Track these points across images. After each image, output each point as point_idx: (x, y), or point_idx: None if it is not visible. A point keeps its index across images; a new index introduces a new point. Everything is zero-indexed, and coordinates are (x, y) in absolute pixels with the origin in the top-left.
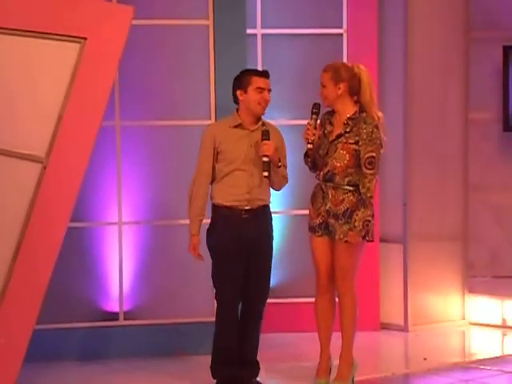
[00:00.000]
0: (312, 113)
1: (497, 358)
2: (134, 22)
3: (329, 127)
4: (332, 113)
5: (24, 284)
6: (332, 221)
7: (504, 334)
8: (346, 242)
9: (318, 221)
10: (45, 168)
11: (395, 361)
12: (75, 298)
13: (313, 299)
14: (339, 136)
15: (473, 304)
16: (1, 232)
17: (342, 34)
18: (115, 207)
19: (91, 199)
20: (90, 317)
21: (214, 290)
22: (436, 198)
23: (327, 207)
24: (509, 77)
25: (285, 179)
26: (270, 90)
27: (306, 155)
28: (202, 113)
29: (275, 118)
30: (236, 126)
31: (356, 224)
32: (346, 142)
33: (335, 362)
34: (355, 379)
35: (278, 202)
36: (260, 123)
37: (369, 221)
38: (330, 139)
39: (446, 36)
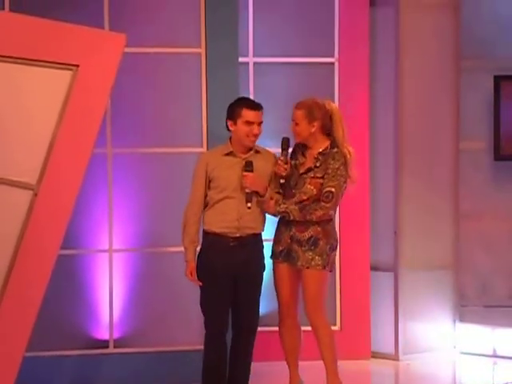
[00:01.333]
0: (282, 149)
1: None
2: (127, 49)
3: (301, 159)
4: (285, 152)
5: (14, 311)
6: (295, 247)
7: (495, 363)
8: (308, 268)
9: (280, 247)
10: (36, 195)
11: None
12: (65, 326)
13: (307, 327)
14: (309, 170)
15: (464, 333)
16: None
17: (333, 63)
18: (106, 234)
19: (82, 226)
20: (80, 344)
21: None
22: (427, 226)
23: (291, 233)
24: (500, 106)
25: (276, 204)
26: (261, 123)
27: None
28: (193, 140)
29: (267, 147)
30: (228, 154)
31: (319, 252)
32: (313, 177)
33: None
34: None
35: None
36: (253, 151)
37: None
38: (301, 171)
39: (436, 65)
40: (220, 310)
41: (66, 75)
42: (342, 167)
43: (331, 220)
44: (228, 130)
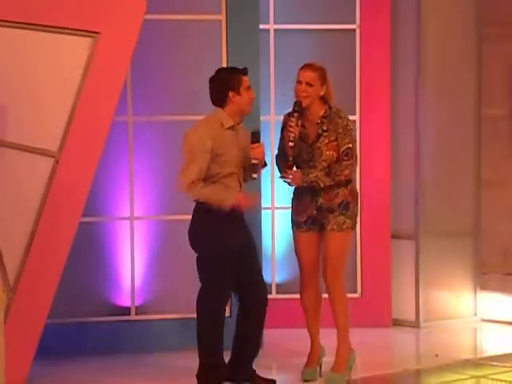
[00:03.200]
0: (294, 111)
1: (509, 354)
2: (147, 16)
3: (302, 130)
4: (298, 111)
5: (36, 278)
6: (325, 214)
7: None
8: (339, 231)
9: (304, 217)
10: (57, 162)
11: (407, 357)
12: (87, 293)
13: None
14: (319, 137)
15: (485, 301)
16: (14, 226)
17: (354, 30)
18: (127, 202)
19: (103, 194)
20: (103, 311)
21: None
22: (448, 194)
23: (319, 203)
24: None
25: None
26: None
27: (280, 157)
28: (213, 108)
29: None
30: (229, 128)
31: (350, 215)
32: (328, 142)
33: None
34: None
35: (283, 197)
36: (241, 123)
37: (316, 182)
38: (310, 142)
39: (459, 32)
40: (227, 287)
41: (87, 42)
42: (349, 122)
43: (353, 180)
44: (219, 103)
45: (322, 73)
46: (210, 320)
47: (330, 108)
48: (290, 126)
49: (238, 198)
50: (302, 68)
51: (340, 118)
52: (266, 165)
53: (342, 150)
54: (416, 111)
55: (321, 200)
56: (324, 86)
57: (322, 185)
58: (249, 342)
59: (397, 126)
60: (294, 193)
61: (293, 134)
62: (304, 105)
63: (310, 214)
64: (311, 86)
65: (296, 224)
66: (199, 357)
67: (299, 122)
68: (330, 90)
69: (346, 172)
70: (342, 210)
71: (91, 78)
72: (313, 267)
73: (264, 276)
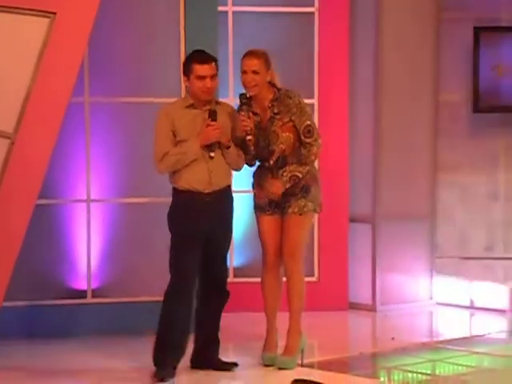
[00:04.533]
0: (241, 103)
1: (464, 338)
2: None
3: (255, 118)
4: (246, 103)
5: None
6: (287, 198)
7: (471, 315)
8: (300, 215)
9: (266, 200)
10: (13, 144)
11: (363, 340)
12: (44, 276)
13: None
14: (272, 120)
15: (441, 284)
16: None
17: (313, 13)
18: (83, 184)
19: (59, 176)
20: (59, 294)
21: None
22: (405, 178)
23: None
24: (479, 58)
25: (240, 158)
26: (214, 75)
27: (245, 151)
28: (171, 90)
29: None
30: (188, 106)
31: (311, 198)
32: (282, 124)
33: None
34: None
35: (241, 181)
36: (213, 103)
37: (297, 176)
38: (264, 127)
39: (416, 17)
40: (191, 267)
41: (43, 22)
42: (301, 100)
43: (314, 162)
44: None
45: (265, 58)
46: (169, 300)
47: (279, 90)
48: (243, 121)
49: (201, 135)
50: (245, 57)
51: (290, 98)
52: (229, 147)
53: (302, 129)
54: (374, 95)
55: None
56: (269, 70)
57: (301, 176)
58: (208, 327)
59: (355, 109)
60: (254, 177)
61: (248, 128)
62: (253, 93)
63: (271, 198)
64: (257, 73)
65: (259, 208)
66: (156, 336)
67: (250, 114)
68: (274, 73)
69: (314, 150)
70: (303, 193)
71: (47, 58)
72: (276, 250)
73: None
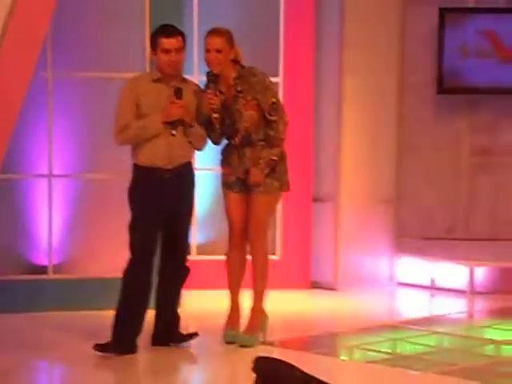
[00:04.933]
0: (208, 81)
1: (425, 318)
2: None
3: (221, 96)
4: (213, 81)
5: None
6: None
7: (432, 295)
8: (267, 194)
9: (233, 177)
10: None
11: (325, 319)
12: (4, 251)
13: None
14: (235, 99)
15: (402, 265)
16: None
17: None
18: (45, 159)
19: (21, 151)
20: (19, 270)
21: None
22: (369, 159)
23: (245, 166)
24: (444, 39)
25: (202, 138)
26: (180, 49)
27: (206, 127)
28: (136, 65)
29: None
30: (156, 81)
31: (277, 176)
32: (246, 102)
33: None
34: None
35: (205, 158)
36: (180, 79)
37: (273, 160)
38: (228, 105)
39: None
40: (150, 243)
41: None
42: (265, 77)
43: (284, 141)
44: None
45: (228, 36)
46: (129, 276)
47: (243, 68)
48: (210, 99)
49: (164, 112)
50: (208, 35)
51: (254, 75)
52: (191, 126)
53: (267, 107)
54: (339, 75)
55: (247, 163)
56: (233, 48)
57: (276, 158)
58: (168, 303)
59: (320, 88)
60: (221, 154)
61: (215, 106)
62: (217, 71)
63: (238, 176)
64: (220, 51)
65: (227, 185)
66: (115, 312)
67: (217, 92)
68: (239, 51)
69: (281, 128)
70: (269, 172)
71: (11, 32)
72: (242, 228)
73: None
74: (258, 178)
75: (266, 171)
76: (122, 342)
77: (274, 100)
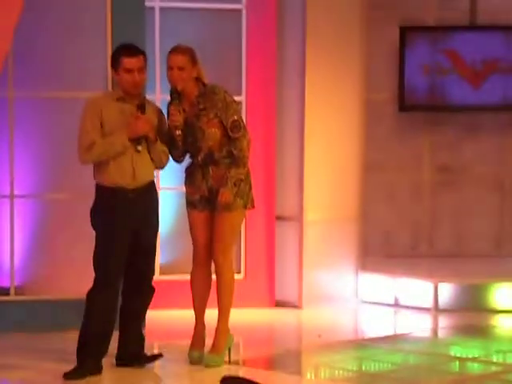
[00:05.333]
0: (172, 98)
1: (390, 336)
2: None
3: (184, 114)
4: (176, 98)
5: None
6: (216, 194)
7: (396, 313)
8: (230, 211)
9: (197, 196)
10: None
11: (290, 338)
12: None
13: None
14: (198, 117)
15: (366, 282)
16: None
17: (241, 10)
18: (7, 180)
19: None
20: None
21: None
22: (332, 177)
23: (209, 184)
24: (405, 57)
25: (165, 154)
26: (142, 68)
27: (169, 144)
28: (97, 85)
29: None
30: (118, 99)
31: (240, 194)
32: (208, 120)
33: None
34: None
35: (168, 177)
36: (142, 98)
37: (241, 180)
38: (190, 123)
39: (344, 15)
40: (115, 263)
41: None
42: (226, 95)
43: (248, 159)
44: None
45: (191, 54)
46: (94, 296)
47: (205, 86)
48: (173, 115)
49: (129, 127)
50: (170, 53)
51: (215, 93)
52: (155, 141)
53: (229, 125)
54: (301, 93)
55: (211, 181)
56: (195, 66)
57: (243, 177)
58: (132, 323)
59: (282, 106)
60: (185, 173)
61: (178, 123)
62: (179, 89)
63: (202, 194)
64: (183, 69)
65: (190, 203)
66: (80, 333)
67: (180, 109)
68: (201, 69)
69: (243, 145)
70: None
71: None
72: (206, 246)
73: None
74: (228, 198)
75: (235, 190)
76: (86, 363)
77: (235, 117)
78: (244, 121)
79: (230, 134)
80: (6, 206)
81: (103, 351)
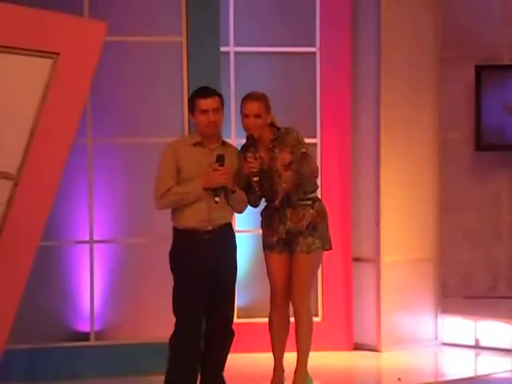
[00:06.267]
0: (249, 145)
1: (470, 378)
2: (107, 38)
3: (260, 161)
4: (253, 148)
5: None
6: (294, 236)
7: (477, 355)
8: (309, 253)
9: (275, 238)
10: (16, 185)
11: (369, 381)
12: (46, 318)
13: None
14: (273, 161)
15: (446, 324)
16: None
17: (315, 53)
18: (86, 225)
19: (62, 217)
20: (62, 337)
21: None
22: (408, 218)
23: (287, 227)
24: (481, 96)
25: (243, 203)
26: (218, 109)
27: (250, 192)
28: (174, 131)
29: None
30: (196, 144)
31: (319, 236)
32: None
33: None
34: None
35: (244, 220)
36: (219, 143)
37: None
38: (266, 168)
39: (418, 56)
40: (195, 307)
41: (46, 63)
42: (299, 134)
43: (320, 199)
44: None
45: (265, 101)
46: (177, 342)
47: (278, 130)
48: (250, 162)
49: (206, 178)
50: (245, 100)
51: (288, 134)
52: (234, 191)
53: (298, 157)
54: (377, 134)
55: (289, 223)
56: (269, 113)
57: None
58: (213, 368)
59: (358, 148)
60: (262, 215)
61: (255, 169)
62: (256, 136)
63: (279, 237)
64: (259, 116)
65: (268, 246)
66: (165, 379)
67: (257, 155)
68: (273, 114)
69: (312, 166)
70: (310, 231)
71: (51, 99)
72: (285, 289)
73: None
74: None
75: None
76: None
77: (304, 150)
78: (314, 158)
79: (299, 166)
80: (86, 251)
81: None
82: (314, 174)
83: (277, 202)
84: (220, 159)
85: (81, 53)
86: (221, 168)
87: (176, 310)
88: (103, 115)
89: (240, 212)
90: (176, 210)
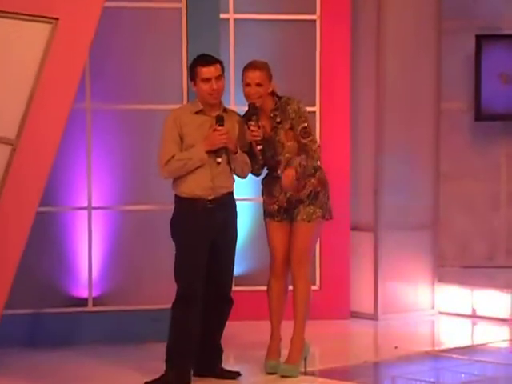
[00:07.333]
0: (252, 114)
1: (467, 347)
2: (106, 3)
3: (262, 129)
4: (255, 117)
5: None
6: (295, 205)
7: (474, 324)
8: (309, 222)
9: (275, 206)
10: (14, 150)
11: (366, 349)
12: (44, 284)
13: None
14: (275, 130)
15: (442, 293)
16: None
17: (315, 20)
18: (85, 192)
19: (60, 183)
20: (60, 302)
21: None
22: (407, 186)
23: (288, 195)
24: (481, 66)
25: (246, 165)
26: (219, 76)
27: (253, 161)
28: (173, 97)
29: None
30: (197, 112)
31: (319, 204)
32: (285, 133)
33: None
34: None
35: (245, 188)
36: (221, 110)
37: (304, 166)
38: (268, 137)
39: (417, 26)
40: (197, 275)
41: (45, 28)
42: (300, 105)
43: (321, 168)
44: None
45: (267, 70)
46: (179, 308)
47: (280, 99)
48: (253, 131)
49: (207, 140)
50: (247, 69)
51: (289, 104)
52: (235, 152)
53: (298, 132)
54: (376, 103)
55: (290, 192)
56: (271, 81)
57: (304, 163)
58: (211, 335)
59: (356, 117)
60: (263, 183)
61: (258, 138)
62: (258, 105)
63: (280, 205)
64: (261, 85)
65: (269, 214)
66: (168, 345)
67: (260, 123)
68: (274, 83)
69: (314, 147)
70: (311, 200)
71: (50, 64)
72: (284, 257)
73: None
74: (289, 178)
75: (299, 169)
76: (180, 373)
77: (305, 124)
78: (313, 130)
79: (300, 139)
80: (84, 217)
81: (186, 364)
82: (315, 156)
83: (279, 172)
84: (219, 120)
85: (80, 18)
86: (220, 128)
87: (177, 277)
88: (102, 81)
89: (244, 176)
90: (179, 178)
